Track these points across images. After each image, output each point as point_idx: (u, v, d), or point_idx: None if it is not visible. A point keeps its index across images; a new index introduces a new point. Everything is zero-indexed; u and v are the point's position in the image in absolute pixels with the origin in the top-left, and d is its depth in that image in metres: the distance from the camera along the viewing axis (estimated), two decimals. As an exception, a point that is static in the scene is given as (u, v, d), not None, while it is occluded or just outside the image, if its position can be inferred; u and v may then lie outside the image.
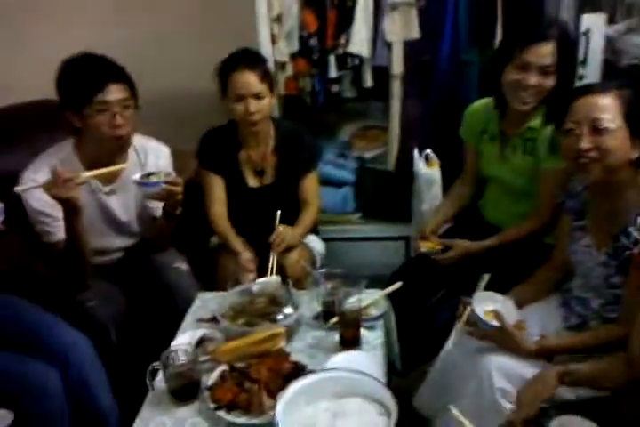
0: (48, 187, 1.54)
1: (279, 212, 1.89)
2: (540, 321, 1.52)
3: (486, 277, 1.52)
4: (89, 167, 1.72)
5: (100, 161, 1.73)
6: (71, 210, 1.60)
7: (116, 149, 1.77)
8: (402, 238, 2.54)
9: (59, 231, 1.72)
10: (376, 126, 2.65)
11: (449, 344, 1.53)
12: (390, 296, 1.66)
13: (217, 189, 2.01)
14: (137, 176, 1.68)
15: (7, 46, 2.48)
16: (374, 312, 1.59)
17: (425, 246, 1.87)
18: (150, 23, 2.47)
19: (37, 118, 2.20)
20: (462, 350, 1.49)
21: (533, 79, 1.64)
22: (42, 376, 1.48)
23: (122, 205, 1.86)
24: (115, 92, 1.66)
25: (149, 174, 1.69)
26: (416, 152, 2.30)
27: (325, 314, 1.58)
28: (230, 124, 2.00)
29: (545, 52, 1.62)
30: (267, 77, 1.88)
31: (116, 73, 1.70)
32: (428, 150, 2.28)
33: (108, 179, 1.79)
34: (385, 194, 2.54)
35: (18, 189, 1.62)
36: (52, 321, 1.62)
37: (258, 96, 1.85)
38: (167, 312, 1.79)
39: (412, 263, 1.99)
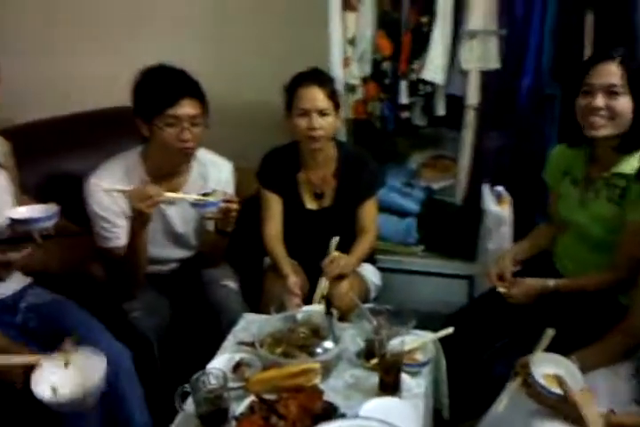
0: (132, 196, 1.58)
1: (336, 238, 1.83)
2: (607, 392, 1.33)
3: (551, 332, 1.34)
4: (153, 176, 1.76)
5: (164, 171, 1.78)
6: (140, 220, 1.63)
7: (181, 161, 1.78)
8: (464, 277, 2.39)
9: (116, 238, 1.75)
10: (447, 156, 2.54)
11: (500, 406, 1.33)
12: (443, 340, 1.53)
13: (274, 208, 1.98)
14: (192, 199, 1.65)
15: (109, 56, 2.60)
16: (420, 357, 1.48)
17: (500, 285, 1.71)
18: (225, 40, 2.51)
19: (116, 124, 2.23)
20: (514, 412, 1.32)
21: (600, 101, 1.49)
22: None
23: (180, 217, 1.87)
24: (186, 108, 1.67)
25: (205, 194, 1.67)
26: (487, 187, 2.17)
27: (368, 353, 1.48)
28: (292, 144, 1.97)
29: (608, 71, 1.48)
30: (333, 96, 1.86)
31: (190, 88, 1.70)
32: (500, 187, 2.15)
33: (171, 190, 1.77)
34: (450, 228, 2.41)
35: (105, 188, 1.66)
36: (95, 328, 1.61)
37: (322, 113, 1.82)
38: (210, 330, 1.76)
39: (473, 306, 1.85)
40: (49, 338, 1.58)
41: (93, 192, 1.73)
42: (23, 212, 1.48)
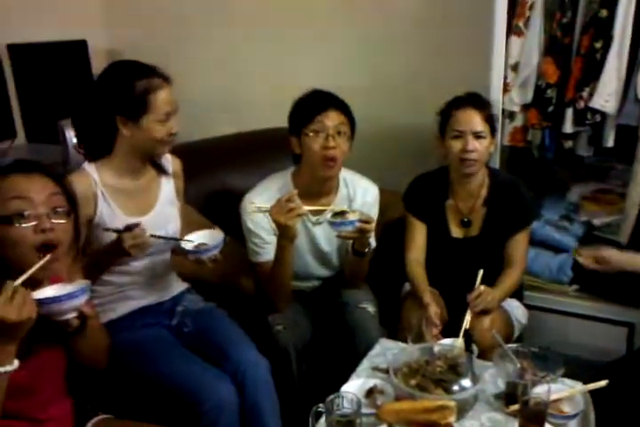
0: (273, 211, 1.66)
1: (482, 271, 1.75)
2: None
3: None
4: (302, 195, 1.81)
5: (313, 190, 1.86)
6: (286, 236, 1.71)
7: (327, 175, 1.84)
8: (624, 324, 2.17)
9: (266, 253, 1.85)
10: (613, 191, 2.34)
11: None
12: (594, 393, 1.40)
13: (418, 235, 1.96)
14: (328, 216, 1.72)
15: (273, 80, 2.79)
16: (567, 409, 1.36)
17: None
18: (383, 64, 2.55)
19: (276, 144, 2.32)
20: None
21: None
22: (219, 390, 1.54)
23: (326, 237, 1.93)
24: (333, 118, 1.78)
25: (341, 213, 1.72)
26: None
27: (508, 397, 1.39)
28: (442, 169, 1.94)
29: None
30: (490, 120, 1.83)
31: (338, 102, 1.83)
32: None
33: (317, 210, 1.86)
34: (611, 269, 2.21)
35: (249, 210, 1.79)
36: (241, 338, 1.71)
37: (478, 135, 1.80)
38: (346, 350, 1.78)
39: (633, 358, 1.68)
40: (199, 342, 1.71)
41: (249, 209, 1.83)
42: (193, 240, 1.64)
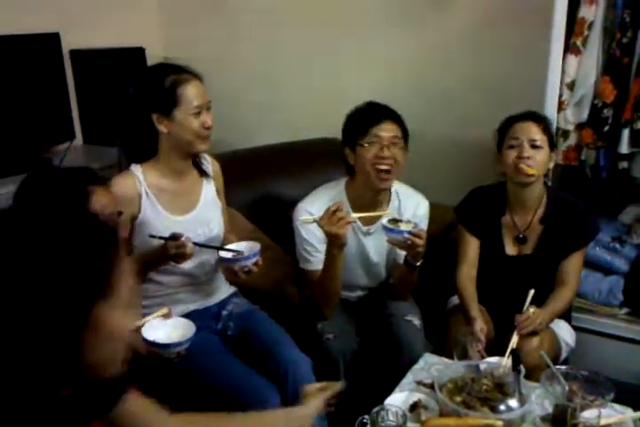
0: (322, 222, 1.68)
1: (532, 291, 1.72)
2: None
3: None
4: (354, 206, 1.88)
5: (365, 201, 1.88)
6: (336, 244, 1.73)
7: (380, 187, 1.86)
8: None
9: (316, 262, 1.87)
10: (668, 213, 2.29)
11: None
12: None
13: (471, 250, 1.94)
14: (385, 220, 1.74)
15: (321, 91, 2.82)
16: (617, 435, 1.33)
17: None
18: (439, 79, 2.55)
19: (322, 154, 2.41)
20: None
21: None
22: (263, 392, 1.57)
23: (375, 247, 1.94)
24: (387, 129, 1.81)
25: (397, 220, 1.73)
26: None
27: (556, 419, 1.37)
28: (500, 185, 1.93)
29: None
30: (549, 132, 1.84)
31: (392, 115, 1.85)
32: None
33: (369, 220, 1.89)
34: (664, 293, 2.16)
35: (300, 220, 1.82)
36: (283, 339, 1.74)
37: (535, 145, 1.79)
38: (391, 362, 1.79)
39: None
40: (243, 343, 1.74)
41: (299, 219, 1.86)
42: (231, 248, 1.67)
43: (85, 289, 0.81)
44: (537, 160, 1.78)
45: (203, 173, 1.81)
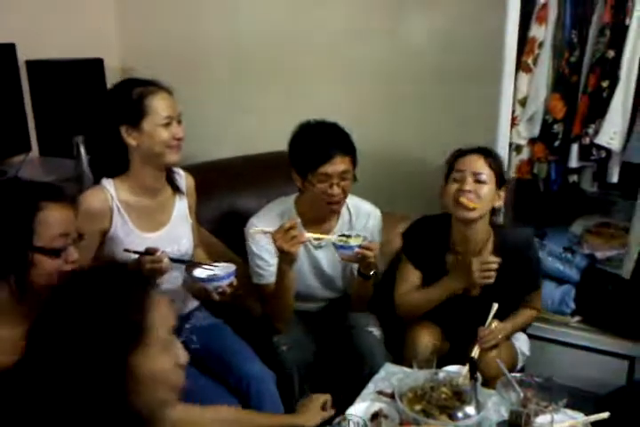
0: (276, 237, 1.68)
1: (496, 305, 1.72)
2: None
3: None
4: (304, 219, 1.88)
5: (315, 216, 1.89)
6: (286, 260, 1.73)
7: (328, 211, 1.88)
8: (625, 357, 2.19)
9: (269, 275, 1.87)
10: (616, 225, 2.38)
11: None
12: (596, 424, 1.42)
13: (412, 279, 1.87)
14: (334, 237, 1.76)
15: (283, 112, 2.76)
16: (569, 439, 1.38)
17: None
18: (397, 96, 2.60)
19: (281, 168, 2.41)
20: None
21: None
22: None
23: (329, 260, 1.96)
24: (338, 165, 1.77)
25: (347, 236, 1.75)
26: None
27: (511, 425, 1.40)
28: (444, 216, 1.83)
29: None
30: (497, 168, 1.75)
31: (343, 145, 1.80)
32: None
33: (319, 238, 1.87)
34: (613, 302, 2.24)
35: (251, 231, 1.82)
36: (246, 352, 1.75)
37: (479, 178, 1.70)
38: (351, 372, 1.80)
39: (634, 390, 1.69)
40: (206, 357, 1.74)
41: (251, 230, 1.86)
42: (204, 271, 1.67)
43: (118, 340, 0.84)
44: (479, 194, 1.68)
45: (176, 190, 1.79)
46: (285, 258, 1.72)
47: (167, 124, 1.61)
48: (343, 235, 1.76)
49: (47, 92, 2.85)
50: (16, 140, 2.74)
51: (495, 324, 1.72)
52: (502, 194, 1.79)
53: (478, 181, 1.71)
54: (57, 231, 1.18)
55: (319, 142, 1.79)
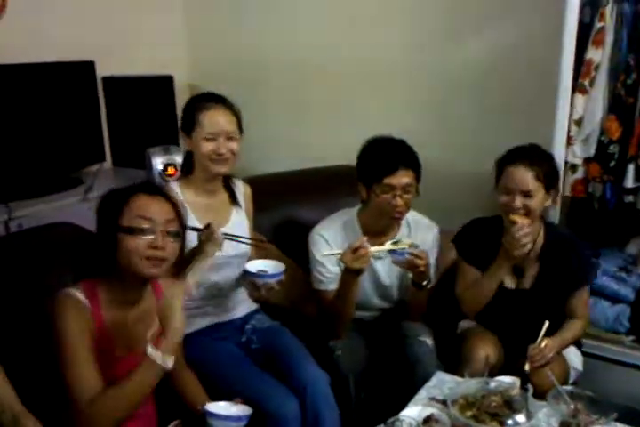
0: (345, 259, 1.77)
1: (547, 322, 1.77)
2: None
3: None
4: (365, 231, 1.96)
5: (376, 228, 1.98)
6: (354, 274, 1.82)
7: (391, 223, 1.96)
8: (678, 377, 2.18)
9: (329, 282, 1.97)
10: (672, 245, 2.38)
11: None
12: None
13: (470, 276, 1.98)
14: (388, 243, 1.83)
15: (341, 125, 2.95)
16: (618, 451, 1.41)
17: None
18: (450, 113, 2.68)
19: (341, 181, 2.48)
20: None
21: None
22: (284, 404, 1.65)
23: (387, 271, 2.03)
24: (401, 178, 1.86)
25: (397, 242, 1.83)
26: None
27: (562, 435, 1.45)
28: (497, 218, 1.94)
29: None
30: (545, 177, 1.82)
31: (408, 159, 1.90)
32: None
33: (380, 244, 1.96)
34: (668, 322, 2.24)
35: (323, 254, 1.91)
36: (304, 355, 1.83)
37: (527, 194, 1.80)
38: (403, 380, 1.86)
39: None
40: (265, 357, 1.84)
41: (316, 240, 1.99)
42: (256, 265, 1.79)
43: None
44: (529, 208, 1.79)
45: (233, 200, 1.93)
46: (352, 272, 1.80)
47: (211, 139, 1.76)
48: (395, 241, 1.84)
49: (121, 106, 3.05)
50: (91, 151, 2.93)
51: (545, 342, 1.75)
52: (553, 193, 1.88)
53: (527, 196, 1.80)
54: (138, 213, 1.37)
55: (386, 155, 1.89)
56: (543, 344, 1.74)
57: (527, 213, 1.81)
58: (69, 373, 1.29)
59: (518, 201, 1.80)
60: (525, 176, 1.80)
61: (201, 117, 1.77)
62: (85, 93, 2.87)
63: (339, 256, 1.80)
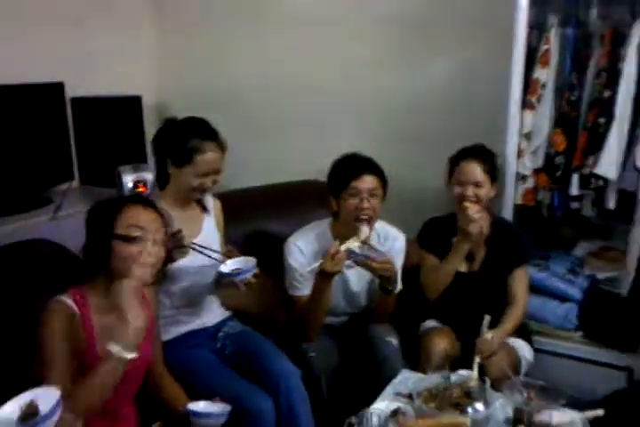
0: (325, 265, 1.89)
1: (488, 317, 1.96)
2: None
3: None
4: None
5: (349, 237, 2.03)
6: (329, 278, 1.94)
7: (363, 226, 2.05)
8: (622, 369, 2.33)
9: (304, 288, 2.08)
10: (616, 248, 2.56)
11: None
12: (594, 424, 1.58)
13: (431, 263, 2.18)
14: (353, 245, 1.92)
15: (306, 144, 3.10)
16: (568, 432, 1.54)
17: None
18: (400, 133, 2.86)
19: (308, 196, 2.64)
20: None
21: None
22: (259, 402, 1.74)
23: (357, 278, 2.15)
24: (367, 182, 2.01)
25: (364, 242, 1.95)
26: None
27: (515, 422, 1.57)
28: (450, 215, 2.19)
29: None
30: (490, 170, 2.11)
31: (372, 166, 2.06)
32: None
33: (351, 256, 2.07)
34: (613, 318, 2.40)
35: (308, 269, 1.98)
36: (273, 352, 1.93)
37: (478, 185, 2.08)
38: (371, 378, 1.97)
39: (632, 392, 1.85)
40: (239, 360, 1.93)
41: (291, 249, 2.10)
42: (228, 266, 1.87)
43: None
44: (479, 197, 2.08)
45: (204, 209, 2.05)
46: (328, 276, 1.92)
47: (202, 176, 1.88)
48: (362, 242, 1.95)
49: (89, 126, 3.10)
50: (60, 170, 2.97)
51: (488, 334, 1.94)
52: (495, 186, 2.17)
53: (477, 186, 2.09)
54: (131, 222, 1.47)
55: (350, 164, 2.08)
56: (489, 336, 1.93)
57: (477, 201, 2.08)
58: (43, 371, 1.35)
59: (470, 190, 2.08)
60: (476, 169, 2.10)
61: (198, 158, 1.85)
62: (54, 114, 2.92)
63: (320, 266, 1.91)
